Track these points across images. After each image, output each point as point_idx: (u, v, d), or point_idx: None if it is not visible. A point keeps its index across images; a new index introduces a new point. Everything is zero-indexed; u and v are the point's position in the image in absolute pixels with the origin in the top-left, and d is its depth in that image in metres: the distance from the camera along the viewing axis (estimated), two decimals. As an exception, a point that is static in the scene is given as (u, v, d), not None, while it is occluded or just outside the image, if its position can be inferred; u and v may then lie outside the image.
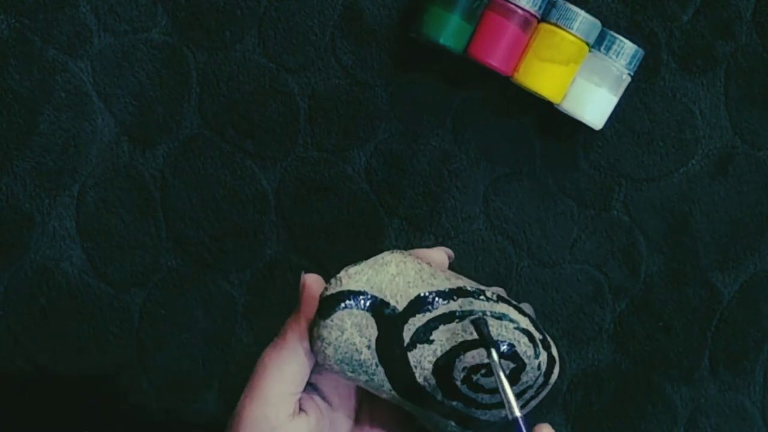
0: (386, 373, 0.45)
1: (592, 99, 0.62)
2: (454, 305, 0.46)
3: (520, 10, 0.60)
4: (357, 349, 0.45)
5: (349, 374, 0.46)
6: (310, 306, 0.46)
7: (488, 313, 0.46)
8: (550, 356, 0.48)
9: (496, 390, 0.45)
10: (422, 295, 0.45)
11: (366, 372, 0.45)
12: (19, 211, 0.65)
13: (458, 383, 0.46)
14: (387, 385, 0.46)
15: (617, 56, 0.61)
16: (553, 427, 0.68)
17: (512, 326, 0.46)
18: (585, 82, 0.62)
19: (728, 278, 0.66)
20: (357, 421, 0.49)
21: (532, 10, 0.60)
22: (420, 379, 0.45)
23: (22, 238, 0.65)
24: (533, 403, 0.49)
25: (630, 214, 0.66)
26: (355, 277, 0.45)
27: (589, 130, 0.63)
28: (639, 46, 0.62)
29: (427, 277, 0.46)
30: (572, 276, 0.66)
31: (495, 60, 0.61)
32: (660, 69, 0.65)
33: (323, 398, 0.48)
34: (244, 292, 0.66)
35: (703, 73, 0.65)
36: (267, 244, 0.66)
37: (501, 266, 0.66)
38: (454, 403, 0.46)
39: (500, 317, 0.46)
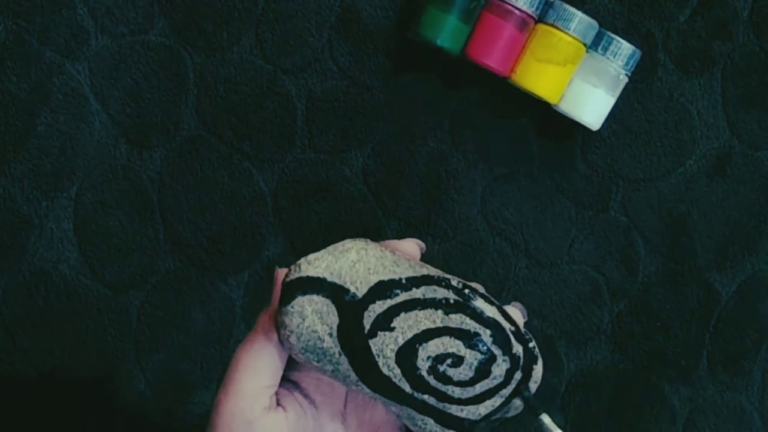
0: (350, 362, 0.45)
1: (590, 99, 0.62)
2: (417, 293, 0.45)
3: (517, 11, 0.60)
4: (319, 337, 0.44)
5: (316, 364, 0.45)
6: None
7: (451, 301, 0.45)
8: (526, 350, 0.47)
9: (467, 383, 0.45)
10: (383, 281, 0.45)
11: (330, 361, 0.45)
12: (17, 213, 0.65)
13: (424, 373, 0.45)
14: (353, 376, 0.45)
15: (614, 57, 0.61)
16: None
17: (473, 321, 0.45)
18: (582, 83, 0.62)
19: (726, 278, 0.66)
20: (346, 422, 0.49)
21: (530, 11, 0.61)
22: (384, 369, 0.45)
23: (19, 240, 0.65)
24: (517, 402, 0.48)
25: (628, 214, 0.66)
26: (315, 263, 0.45)
27: (587, 130, 0.63)
28: (636, 46, 0.62)
29: (389, 264, 0.45)
30: (570, 276, 0.66)
31: (492, 61, 0.61)
32: (657, 69, 0.65)
33: (306, 396, 0.47)
34: (242, 293, 0.66)
35: (701, 73, 0.65)
36: (265, 245, 0.66)
37: (499, 267, 0.66)
38: (426, 397, 0.45)
39: (463, 309, 0.45)
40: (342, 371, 0.45)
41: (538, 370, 0.47)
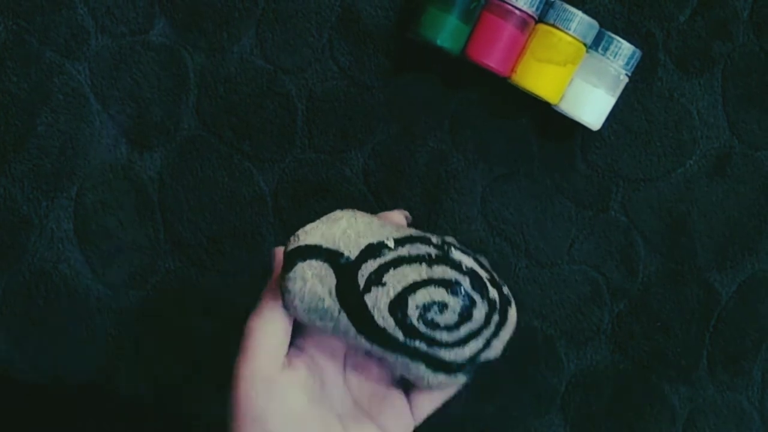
0: (349, 317, 0.50)
1: (590, 100, 0.62)
2: (402, 251, 0.50)
3: (517, 11, 0.60)
4: (320, 297, 0.50)
5: (318, 323, 0.50)
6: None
7: (433, 255, 0.50)
8: (501, 294, 0.52)
9: (453, 327, 0.51)
10: (372, 243, 0.50)
11: (331, 318, 0.50)
12: (17, 213, 0.65)
13: (414, 321, 0.50)
14: (352, 330, 0.50)
15: (615, 57, 0.61)
16: (552, 428, 0.68)
17: (453, 271, 0.51)
18: (582, 83, 0.62)
19: (726, 278, 0.66)
20: (347, 382, 0.54)
21: (530, 11, 0.61)
22: (379, 321, 0.50)
23: (20, 240, 0.65)
24: (496, 343, 0.53)
25: (628, 214, 0.66)
26: (311, 233, 0.50)
27: (587, 130, 0.64)
28: (636, 46, 0.62)
29: (376, 228, 0.51)
30: (570, 276, 0.66)
31: (492, 61, 0.61)
32: (657, 69, 0.65)
33: (311, 358, 0.52)
34: (242, 293, 0.66)
35: (701, 73, 0.65)
36: (265, 245, 0.66)
37: (499, 267, 0.66)
38: (417, 343, 0.50)
39: (444, 261, 0.51)
40: (342, 327, 0.50)
41: (512, 312, 0.53)
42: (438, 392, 0.54)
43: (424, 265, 0.50)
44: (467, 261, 0.51)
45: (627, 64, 0.62)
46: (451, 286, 0.50)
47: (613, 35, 0.61)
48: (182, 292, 0.66)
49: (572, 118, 0.62)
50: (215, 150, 0.65)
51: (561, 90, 0.62)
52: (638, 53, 0.62)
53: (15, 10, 0.64)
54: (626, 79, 0.62)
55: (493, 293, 0.52)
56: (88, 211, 0.65)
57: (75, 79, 0.64)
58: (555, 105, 0.62)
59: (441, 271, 0.50)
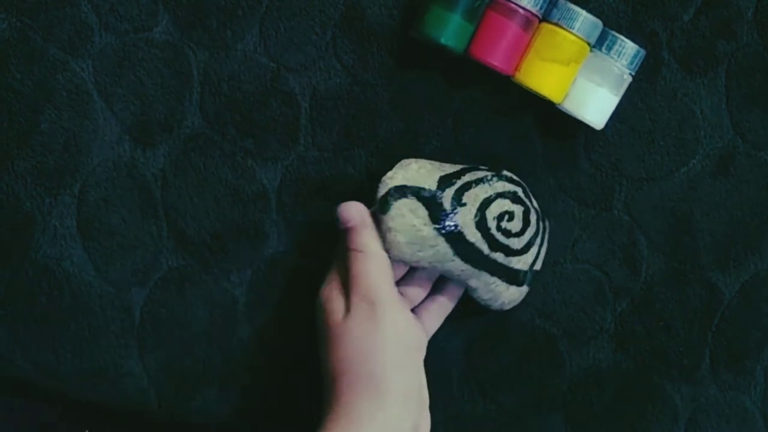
0: (446, 240, 0.58)
1: (594, 99, 0.62)
2: (466, 177, 0.60)
3: (521, 10, 0.60)
4: (418, 228, 0.58)
5: (420, 254, 0.59)
6: (360, 219, 0.60)
7: (489, 177, 0.61)
8: (539, 206, 0.63)
9: (519, 233, 0.60)
10: (442, 175, 0.60)
11: (431, 246, 0.58)
12: (20, 210, 0.65)
13: (493, 232, 0.59)
14: (450, 252, 0.59)
15: (618, 56, 0.61)
16: (554, 427, 0.68)
17: (509, 183, 0.61)
18: (586, 82, 0.62)
19: (729, 278, 0.66)
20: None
21: (534, 10, 0.60)
22: (469, 236, 0.59)
23: (23, 237, 0.65)
24: (542, 252, 0.63)
25: (631, 213, 0.66)
26: (394, 177, 0.59)
27: (590, 129, 0.63)
28: (640, 45, 0.62)
29: (438, 166, 0.61)
30: (573, 275, 0.66)
31: (496, 60, 0.61)
32: (661, 69, 0.65)
33: None
34: (245, 291, 0.66)
35: (705, 72, 0.65)
36: (268, 243, 0.66)
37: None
38: (497, 254, 0.60)
39: (499, 177, 0.61)
40: (441, 251, 0.59)
41: (547, 223, 0.64)
42: (443, 309, 0.64)
43: (486, 184, 0.60)
44: (514, 177, 0.62)
45: (631, 63, 0.62)
46: (512, 195, 0.61)
47: (617, 34, 0.61)
48: (185, 290, 0.66)
49: (576, 117, 0.62)
50: (218, 147, 0.65)
51: (564, 89, 0.62)
52: (642, 52, 0.62)
53: (19, 7, 0.64)
54: (630, 79, 0.62)
55: (535, 203, 0.62)
56: (91, 208, 0.65)
57: (78, 76, 0.64)
58: (558, 104, 0.62)
59: (501, 186, 0.61)
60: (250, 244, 0.66)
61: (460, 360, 0.67)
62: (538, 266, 0.63)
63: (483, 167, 0.62)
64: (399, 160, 0.63)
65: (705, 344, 0.67)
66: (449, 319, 0.65)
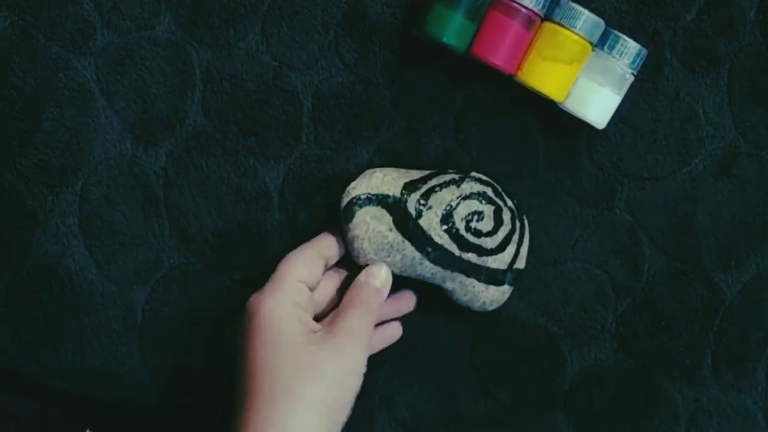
0: (412, 244, 0.59)
1: (596, 98, 0.62)
2: (432, 182, 0.61)
3: (523, 9, 0.60)
4: (384, 234, 0.59)
5: (387, 259, 0.60)
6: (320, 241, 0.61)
7: (457, 179, 0.61)
8: (515, 203, 0.63)
9: (492, 232, 0.61)
10: (407, 182, 0.61)
11: (398, 250, 0.60)
12: (22, 208, 0.65)
13: (462, 233, 0.60)
14: (417, 256, 0.60)
15: (621, 55, 0.61)
16: (556, 426, 0.68)
17: (477, 184, 0.62)
18: (588, 82, 0.62)
19: (731, 278, 0.66)
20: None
21: (536, 9, 0.61)
22: (437, 239, 0.59)
23: (25, 235, 0.66)
24: (522, 251, 0.63)
25: (633, 213, 0.66)
26: (357, 187, 0.60)
27: (593, 129, 0.63)
28: (642, 45, 0.62)
29: (403, 173, 0.62)
30: (574, 275, 0.66)
31: (498, 59, 0.61)
32: (663, 68, 0.65)
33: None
34: (247, 290, 0.66)
35: (707, 72, 0.65)
36: (270, 241, 0.66)
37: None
38: (470, 255, 0.60)
39: (467, 179, 0.61)
40: (408, 255, 0.60)
41: (526, 221, 0.64)
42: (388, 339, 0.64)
43: (453, 186, 0.61)
44: (483, 177, 0.62)
45: (633, 62, 0.62)
46: (481, 196, 0.61)
47: (619, 34, 0.61)
48: (187, 288, 0.66)
49: (578, 116, 0.62)
50: (221, 146, 0.65)
51: (566, 88, 0.62)
52: (644, 52, 0.62)
53: (21, 6, 0.64)
54: (632, 78, 0.62)
55: (509, 202, 0.63)
56: (93, 206, 0.66)
57: (81, 74, 0.64)
58: (560, 103, 0.62)
59: (468, 188, 0.61)
60: (252, 243, 0.66)
61: (462, 359, 0.67)
62: (520, 264, 0.63)
63: (451, 171, 0.62)
64: (401, 159, 0.63)
65: (706, 344, 0.67)
66: (450, 319, 0.65)
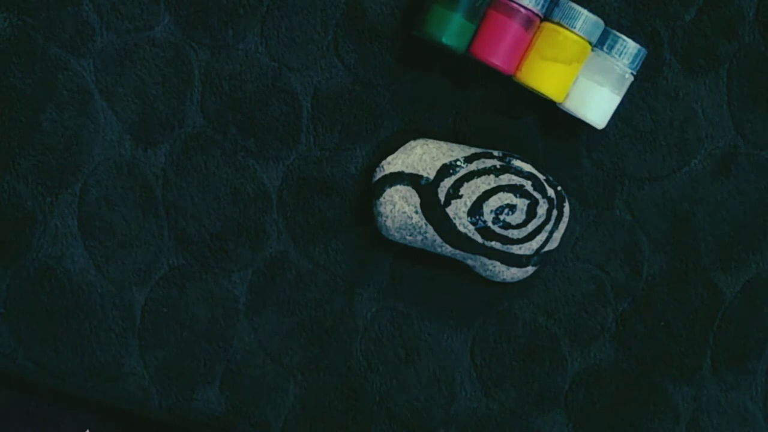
0: (435, 229, 0.60)
1: (595, 98, 0.62)
2: (472, 166, 0.60)
3: (523, 9, 0.60)
4: (408, 215, 0.60)
5: (408, 238, 0.61)
6: None
7: (498, 166, 0.61)
8: (557, 192, 0.62)
9: (521, 225, 0.61)
10: (445, 164, 0.60)
11: (420, 232, 0.60)
12: (22, 209, 0.65)
13: (490, 224, 0.60)
14: (438, 239, 0.60)
15: (620, 55, 0.61)
16: (555, 426, 0.68)
17: (516, 176, 0.61)
18: (588, 82, 0.62)
19: (730, 278, 0.66)
20: None
21: (535, 9, 0.60)
22: (460, 228, 0.60)
23: (24, 236, 0.66)
24: (556, 235, 0.63)
25: (632, 213, 0.66)
26: (393, 162, 0.61)
27: (592, 129, 0.63)
28: (642, 45, 0.62)
29: (446, 150, 0.61)
30: (574, 275, 0.66)
31: (497, 59, 0.61)
32: (663, 68, 0.65)
33: None
34: (246, 290, 0.66)
35: (706, 72, 0.65)
36: (269, 242, 0.66)
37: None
38: (494, 243, 0.61)
39: (507, 169, 0.61)
40: (429, 238, 0.60)
41: (566, 207, 0.63)
42: None
43: (492, 175, 0.60)
44: (526, 167, 0.62)
45: (632, 62, 0.62)
46: (517, 190, 0.60)
47: (618, 34, 0.61)
48: (186, 289, 0.66)
49: (577, 116, 0.62)
50: (220, 147, 0.65)
51: (566, 88, 0.62)
52: (644, 52, 0.62)
53: (20, 6, 0.64)
54: (631, 78, 0.62)
55: (551, 192, 0.62)
56: (92, 207, 0.65)
57: (80, 75, 0.64)
58: (560, 103, 0.62)
59: (507, 179, 0.60)
60: (251, 244, 0.66)
61: (463, 358, 0.67)
62: (551, 246, 0.63)
63: (496, 153, 0.62)
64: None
65: (706, 344, 0.67)
66: (450, 319, 0.65)
